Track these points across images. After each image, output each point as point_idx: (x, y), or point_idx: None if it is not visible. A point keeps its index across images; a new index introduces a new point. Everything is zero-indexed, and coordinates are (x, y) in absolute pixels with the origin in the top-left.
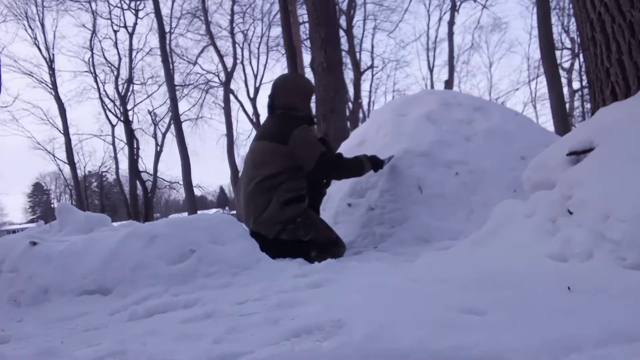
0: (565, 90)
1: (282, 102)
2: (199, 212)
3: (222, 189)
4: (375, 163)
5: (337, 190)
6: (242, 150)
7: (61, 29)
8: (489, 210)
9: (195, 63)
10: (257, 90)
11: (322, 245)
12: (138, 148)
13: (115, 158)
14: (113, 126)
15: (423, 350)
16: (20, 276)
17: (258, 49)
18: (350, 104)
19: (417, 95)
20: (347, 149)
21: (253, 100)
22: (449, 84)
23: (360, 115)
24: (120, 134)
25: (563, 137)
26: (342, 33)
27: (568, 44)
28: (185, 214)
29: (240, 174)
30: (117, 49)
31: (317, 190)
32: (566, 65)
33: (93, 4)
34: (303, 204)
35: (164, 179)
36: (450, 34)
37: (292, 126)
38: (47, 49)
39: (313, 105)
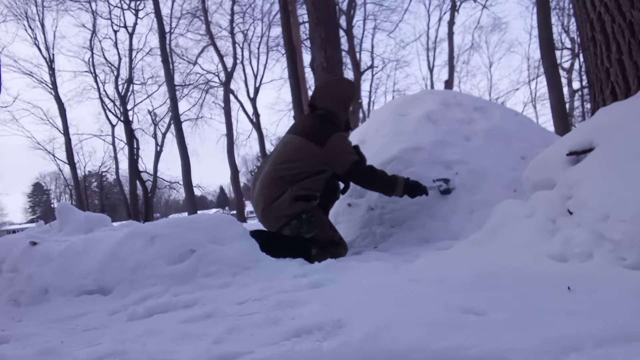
0: (565, 90)
1: (322, 104)
2: (199, 212)
3: (222, 189)
4: (413, 189)
5: None
6: (242, 150)
7: (61, 29)
8: (489, 210)
9: (195, 63)
10: (257, 90)
11: (323, 243)
12: (138, 148)
13: (115, 158)
14: (113, 126)
15: (423, 350)
16: (20, 276)
17: (258, 49)
18: None
19: (417, 95)
20: None
21: (253, 100)
22: (449, 84)
23: (360, 115)
24: (120, 134)
25: (563, 137)
26: (342, 33)
27: (568, 44)
28: (185, 214)
29: (265, 158)
30: (117, 49)
31: (331, 194)
32: (566, 65)
33: (93, 4)
34: (312, 203)
35: (164, 179)
36: (450, 34)
37: (330, 130)
38: (47, 49)
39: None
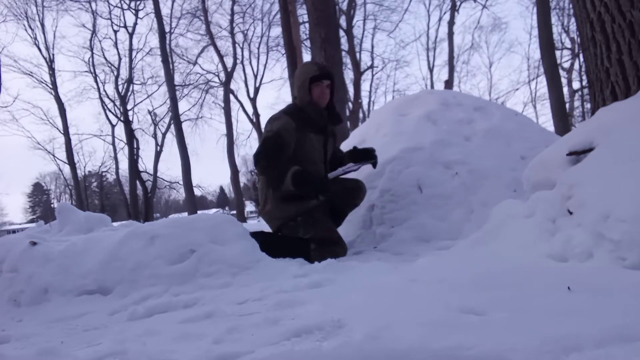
0: (565, 90)
1: (292, 92)
2: (199, 212)
3: (222, 189)
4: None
5: None
6: (242, 150)
7: (61, 29)
8: (489, 210)
9: (195, 63)
10: (257, 90)
11: (321, 241)
12: (138, 148)
13: (115, 158)
14: (113, 126)
15: (423, 350)
16: (20, 276)
17: (258, 49)
18: (350, 104)
19: (417, 95)
20: (347, 149)
21: (253, 100)
22: (449, 84)
23: (360, 115)
24: (120, 134)
25: (563, 137)
26: (342, 33)
27: (568, 44)
28: (185, 214)
29: None
30: (117, 49)
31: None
32: (566, 65)
33: (93, 4)
34: (306, 203)
35: (164, 179)
36: (450, 34)
37: (277, 113)
38: (47, 49)
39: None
